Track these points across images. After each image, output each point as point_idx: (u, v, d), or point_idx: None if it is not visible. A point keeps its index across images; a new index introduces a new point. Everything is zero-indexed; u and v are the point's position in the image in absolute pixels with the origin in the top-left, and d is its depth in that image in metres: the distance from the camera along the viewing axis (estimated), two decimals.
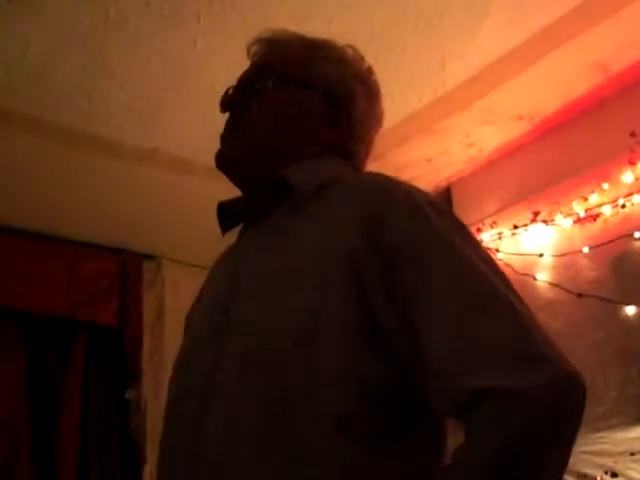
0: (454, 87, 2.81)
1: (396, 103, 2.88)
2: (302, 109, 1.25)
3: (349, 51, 1.33)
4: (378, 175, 1.19)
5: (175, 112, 2.84)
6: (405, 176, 3.31)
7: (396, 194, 1.10)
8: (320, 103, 1.26)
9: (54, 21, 2.42)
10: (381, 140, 3.36)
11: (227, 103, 1.29)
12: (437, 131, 3.04)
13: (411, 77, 2.75)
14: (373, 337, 1.02)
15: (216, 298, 1.18)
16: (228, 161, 1.25)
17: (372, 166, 3.71)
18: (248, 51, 1.33)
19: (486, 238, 3.10)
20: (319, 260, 1.06)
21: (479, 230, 3.13)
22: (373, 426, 1.00)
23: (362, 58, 1.34)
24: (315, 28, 2.60)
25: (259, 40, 1.32)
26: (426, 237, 1.05)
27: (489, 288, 1.02)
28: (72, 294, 3.46)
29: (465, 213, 3.28)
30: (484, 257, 1.07)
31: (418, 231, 1.06)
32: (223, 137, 1.27)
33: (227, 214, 1.25)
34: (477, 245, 1.10)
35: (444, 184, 3.39)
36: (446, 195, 3.41)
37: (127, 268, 3.63)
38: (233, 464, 1.00)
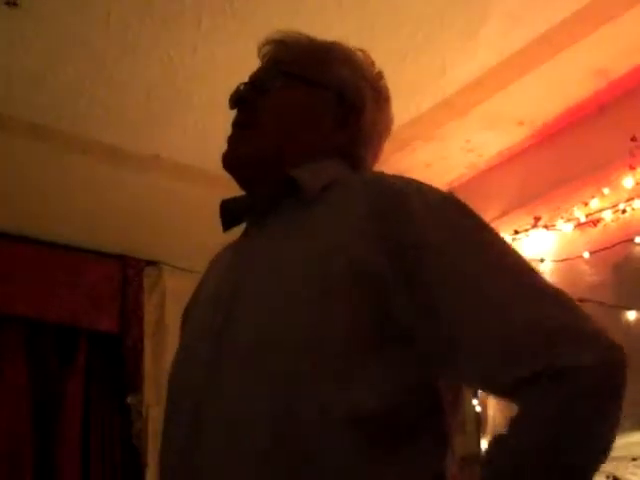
0: (454, 93, 2.81)
1: (396, 109, 2.87)
2: (312, 109, 1.23)
3: (360, 54, 1.31)
4: (386, 175, 1.17)
5: (176, 119, 2.84)
6: None
7: (407, 193, 1.09)
8: (331, 104, 1.23)
9: (54, 27, 2.42)
10: None
11: (237, 99, 1.24)
12: (437, 137, 3.04)
13: (411, 83, 2.75)
14: (385, 340, 1.00)
15: (218, 295, 1.13)
16: (236, 162, 1.21)
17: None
18: (259, 51, 1.31)
19: None
20: (326, 263, 1.03)
21: None
22: (386, 429, 0.98)
23: (372, 62, 1.32)
24: (315, 35, 2.61)
25: (271, 41, 1.30)
26: (445, 232, 1.04)
27: (524, 272, 1.02)
28: (73, 300, 3.46)
29: None
30: (503, 243, 1.08)
31: (436, 228, 1.04)
32: (231, 137, 1.23)
33: (230, 212, 1.22)
34: (494, 232, 1.09)
35: (444, 189, 3.39)
36: None
37: (128, 274, 3.64)
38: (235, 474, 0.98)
